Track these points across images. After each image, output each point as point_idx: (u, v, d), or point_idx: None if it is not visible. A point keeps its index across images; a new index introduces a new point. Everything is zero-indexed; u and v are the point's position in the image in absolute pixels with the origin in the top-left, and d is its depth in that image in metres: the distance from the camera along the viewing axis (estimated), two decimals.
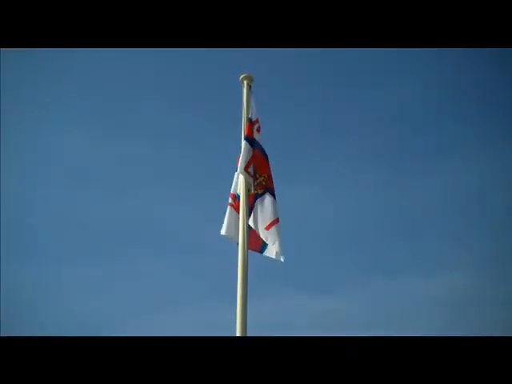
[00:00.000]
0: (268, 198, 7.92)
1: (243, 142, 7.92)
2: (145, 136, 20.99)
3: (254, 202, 7.91)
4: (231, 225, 7.87)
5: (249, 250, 7.57)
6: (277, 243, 7.73)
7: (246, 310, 7.08)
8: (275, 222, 7.83)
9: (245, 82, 8.28)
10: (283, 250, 7.72)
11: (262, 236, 7.79)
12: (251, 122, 8.07)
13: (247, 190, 7.76)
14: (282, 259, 7.67)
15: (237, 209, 7.88)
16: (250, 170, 7.86)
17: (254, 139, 8.07)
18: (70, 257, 18.36)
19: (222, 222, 7.97)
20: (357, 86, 21.11)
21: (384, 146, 21.43)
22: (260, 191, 7.93)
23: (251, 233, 7.80)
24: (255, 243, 7.83)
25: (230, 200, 8.01)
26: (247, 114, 8.14)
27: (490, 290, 16.70)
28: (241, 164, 7.76)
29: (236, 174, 8.02)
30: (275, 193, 8.01)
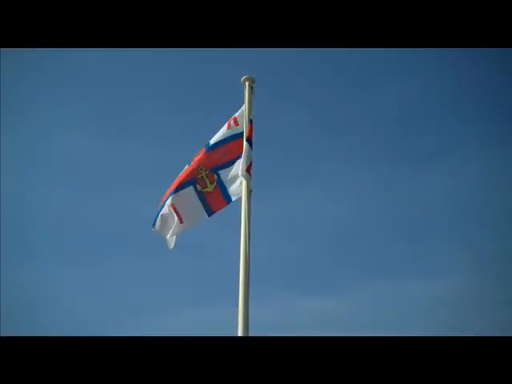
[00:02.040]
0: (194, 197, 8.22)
1: (245, 144, 7.91)
2: (145, 136, 20.99)
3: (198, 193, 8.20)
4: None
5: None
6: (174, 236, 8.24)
7: (248, 310, 7.06)
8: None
9: (246, 84, 8.24)
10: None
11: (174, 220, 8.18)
12: (252, 124, 8.06)
13: (249, 192, 7.74)
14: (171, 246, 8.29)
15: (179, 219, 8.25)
16: (251, 171, 7.87)
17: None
18: (69, 257, 18.36)
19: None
20: (356, 86, 21.11)
21: (384, 146, 21.43)
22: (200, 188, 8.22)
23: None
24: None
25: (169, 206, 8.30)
26: (249, 115, 8.12)
27: (490, 290, 16.70)
28: (242, 166, 7.76)
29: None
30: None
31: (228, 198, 8.10)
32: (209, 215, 8.23)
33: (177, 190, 8.26)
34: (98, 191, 20.49)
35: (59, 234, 19.22)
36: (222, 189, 8.16)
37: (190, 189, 8.24)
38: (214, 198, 8.20)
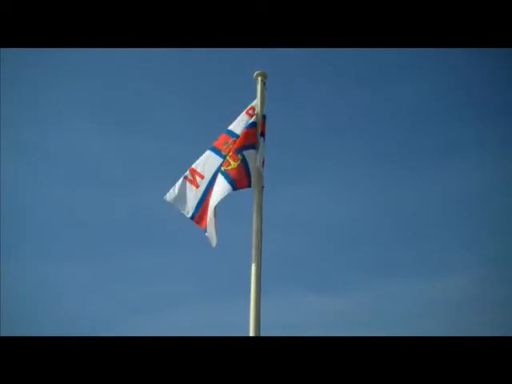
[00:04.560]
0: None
1: (260, 139, 7.99)
2: (145, 135, 20.99)
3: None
4: (181, 195, 8.13)
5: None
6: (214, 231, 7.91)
7: (260, 311, 7.11)
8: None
9: (259, 79, 8.26)
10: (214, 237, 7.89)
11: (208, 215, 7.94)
12: (265, 119, 8.13)
13: (261, 187, 7.80)
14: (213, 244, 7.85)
15: (194, 184, 8.12)
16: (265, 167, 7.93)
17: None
18: (71, 255, 18.37)
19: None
20: (358, 86, 21.13)
21: (388, 146, 21.45)
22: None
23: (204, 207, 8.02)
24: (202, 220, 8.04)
25: (188, 174, 8.22)
26: (261, 110, 8.16)
27: (494, 291, 16.70)
28: (258, 160, 7.86)
29: (208, 151, 8.22)
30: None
31: (249, 180, 7.93)
32: (233, 189, 7.90)
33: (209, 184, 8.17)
34: (99, 190, 20.51)
35: (59, 233, 19.23)
36: (246, 168, 8.00)
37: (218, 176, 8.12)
38: (239, 173, 7.95)
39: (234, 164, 8.03)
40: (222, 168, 8.07)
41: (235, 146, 8.11)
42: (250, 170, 7.93)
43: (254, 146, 8.03)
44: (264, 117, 8.13)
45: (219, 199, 7.85)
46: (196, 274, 17.85)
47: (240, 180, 7.91)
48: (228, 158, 8.09)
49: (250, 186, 7.88)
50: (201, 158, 8.32)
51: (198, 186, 8.18)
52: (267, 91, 8.26)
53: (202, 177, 8.20)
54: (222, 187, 7.93)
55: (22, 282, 15.80)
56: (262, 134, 8.02)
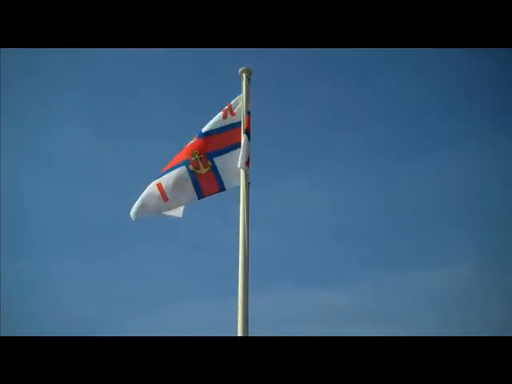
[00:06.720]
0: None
1: (243, 136, 7.90)
2: (145, 135, 21.00)
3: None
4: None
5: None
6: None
7: (248, 310, 7.05)
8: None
9: (244, 75, 8.22)
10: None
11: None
12: (250, 116, 8.07)
13: (247, 184, 7.74)
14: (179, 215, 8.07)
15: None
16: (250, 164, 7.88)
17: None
18: (71, 256, 18.37)
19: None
20: (358, 86, 21.17)
21: (387, 143, 21.49)
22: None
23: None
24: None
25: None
26: (246, 107, 8.12)
27: (492, 283, 16.74)
28: (241, 158, 7.74)
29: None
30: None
31: (221, 186, 8.11)
32: (199, 198, 8.12)
33: (166, 172, 8.15)
34: (98, 189, 20.54)
35: (59, 232, 19.23)
36: (217, 175, 8.13)
37: (182, 168, 8.12)
38: (208, 181, 8.11)
39: (203, 169, 8.12)
40: (190, 167, 8.11)
41: (208, 149, 8.16)
42: (222, 174, 8.08)
43: (236, 146, 8.04)
44: (249, 113, 8.07)
45: (180, 204, 8.09)
46: (196, 273, 17.86)
47: (208, 188, 8.09)
48: (198, 159, 8.14)
49: (223, 189, 8.09)
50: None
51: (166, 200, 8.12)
52: (252, 87, 8.23)
53: (166, 199, 8.11)
54: (187, 191, 8.08)
55: (22, 281, 15.80)
56: (247, 132, 7.93)
